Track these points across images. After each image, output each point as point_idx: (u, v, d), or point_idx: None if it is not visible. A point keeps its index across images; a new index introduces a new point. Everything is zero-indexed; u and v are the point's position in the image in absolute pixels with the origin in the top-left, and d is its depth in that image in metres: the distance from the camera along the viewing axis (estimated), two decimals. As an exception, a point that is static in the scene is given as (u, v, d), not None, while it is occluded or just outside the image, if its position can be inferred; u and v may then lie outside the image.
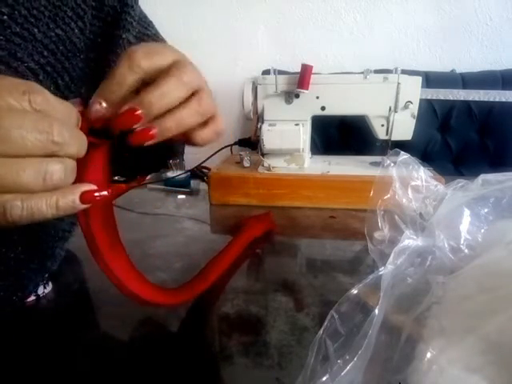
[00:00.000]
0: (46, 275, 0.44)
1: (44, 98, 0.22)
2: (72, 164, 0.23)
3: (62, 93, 0.37)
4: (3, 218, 0.21)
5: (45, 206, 0.22)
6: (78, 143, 0.23)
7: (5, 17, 0.32)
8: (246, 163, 0.79)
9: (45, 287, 0.44)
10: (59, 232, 0.43)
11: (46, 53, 0.35)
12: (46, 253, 0.42)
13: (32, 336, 0.38)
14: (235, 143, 0.87)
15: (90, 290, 0.47)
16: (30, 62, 0.34)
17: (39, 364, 0.35)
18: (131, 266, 0.36)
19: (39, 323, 0.40)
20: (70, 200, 0.23)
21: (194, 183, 0.89)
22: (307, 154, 0.80)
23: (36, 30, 0.34)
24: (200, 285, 0.43)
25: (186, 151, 1.08)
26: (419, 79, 0.72)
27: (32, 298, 0.43)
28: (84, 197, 0.24)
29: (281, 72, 0.73)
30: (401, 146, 0.54)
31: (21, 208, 0.21)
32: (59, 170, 0.22)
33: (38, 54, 0.34)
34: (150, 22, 0.50)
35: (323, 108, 0.75)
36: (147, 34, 0.48)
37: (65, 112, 0.23)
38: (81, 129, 0.25)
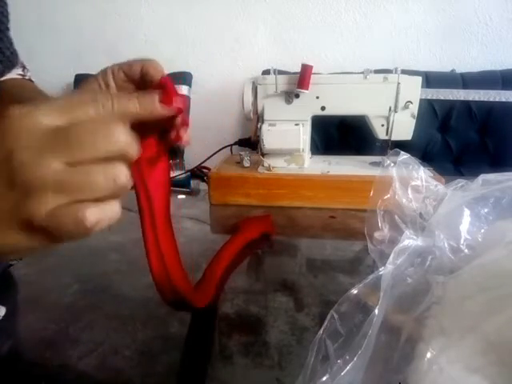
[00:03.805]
0: None
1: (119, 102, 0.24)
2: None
3: None
4: (79, 227, 0.21)
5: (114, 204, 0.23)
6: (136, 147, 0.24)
7: None
8: (246, 163, 0.79)
9: None
10: None
11: None
12: None
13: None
14: (235, 143, 0.86)
15: (85, 288, 0.47)
16: None
17: None
18: (178, 255, 0.34)
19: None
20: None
21: (194, 183, 0.89)
22: (307, 154, 0.80)
23: None
24: (209, 289, 0.42)
25: (186, 151, 1.08)
26: (419, 79, 0.72)
27: None
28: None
29: (281, 72, 0.73)
30: (401, 146, 0.54)
31: (97, 212, 0.21)
32: (126, 172, 0.23)
33: None
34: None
35: (323, 108, 0.75)
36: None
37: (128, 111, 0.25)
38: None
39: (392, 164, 0.46)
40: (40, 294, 0.46)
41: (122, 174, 0.22)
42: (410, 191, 0.44)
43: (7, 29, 0.48)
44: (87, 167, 0.21)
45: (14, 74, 0.58)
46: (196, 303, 0.38)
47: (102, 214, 0.22)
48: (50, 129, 0.21)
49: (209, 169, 0.85)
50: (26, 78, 0.59)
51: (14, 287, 0.49)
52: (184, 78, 1.37)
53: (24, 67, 0.59)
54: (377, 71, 0.72)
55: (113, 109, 0.23)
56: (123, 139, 0.22)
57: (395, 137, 0.75)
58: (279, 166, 0.78)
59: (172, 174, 0.88)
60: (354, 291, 0.29)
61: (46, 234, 0.21)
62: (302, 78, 0.71)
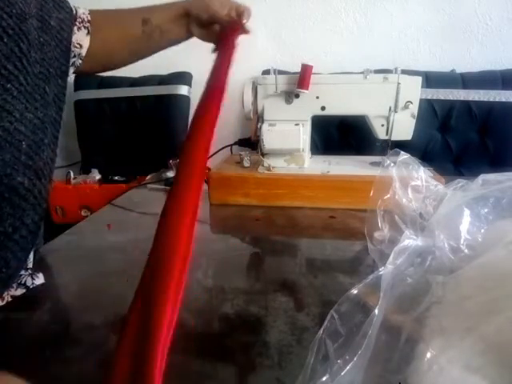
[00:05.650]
0: (31, 258, 0.42)
1: None
2: None
3: (25, 56, 0.38)
4: None
5: None
6: None
7: None
8: (246, 163, 0.79)
9: (33, 278, 0.42)
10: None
11: (5, 16, 0.36)
12: (27, 225, 0.40)
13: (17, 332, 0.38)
14: (235, 143, 0.86)
15: (85, 289, 0.47)
16: None
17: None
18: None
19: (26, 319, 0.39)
20: None
21: (194, 183, 0.89)
22: (307, 153, 0.80)
23: None
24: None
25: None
26: (419, 79, 0.72)
27: (21, 290, 0.41)
28: None
29: (281, 72, 0.73)
30: (401, 146, 0.54)
31: None
32: None
33: None
34: None
35: (323, 108, 0.75)
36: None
37: None
38: None
39: (392, 164, 0.46)
40: (40, 294, 0.46)
41: None
42: (410, 191, 0.44)
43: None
44: None
45: (82, 14, 0.56)
46: None
47: None
48: None
49: (209, 169, 0.85)
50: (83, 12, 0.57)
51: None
52: (184, 77, 1.37)
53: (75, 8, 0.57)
54: (377, 71, 0.72)
55: None
56: None
57: (395, 137, 0.75)
58: (279, 166, 0.78)
59: (172, 174, 0.88)
60: (354, 291, 0.29)
61: None
62: (302, 78, 0.71)
